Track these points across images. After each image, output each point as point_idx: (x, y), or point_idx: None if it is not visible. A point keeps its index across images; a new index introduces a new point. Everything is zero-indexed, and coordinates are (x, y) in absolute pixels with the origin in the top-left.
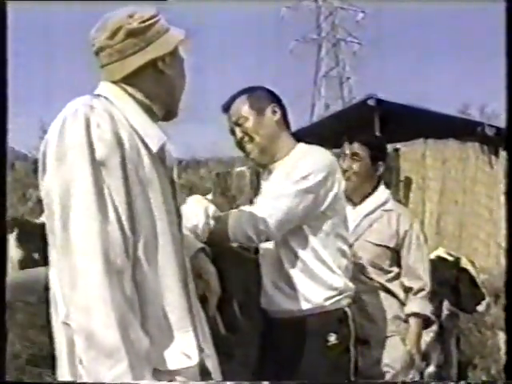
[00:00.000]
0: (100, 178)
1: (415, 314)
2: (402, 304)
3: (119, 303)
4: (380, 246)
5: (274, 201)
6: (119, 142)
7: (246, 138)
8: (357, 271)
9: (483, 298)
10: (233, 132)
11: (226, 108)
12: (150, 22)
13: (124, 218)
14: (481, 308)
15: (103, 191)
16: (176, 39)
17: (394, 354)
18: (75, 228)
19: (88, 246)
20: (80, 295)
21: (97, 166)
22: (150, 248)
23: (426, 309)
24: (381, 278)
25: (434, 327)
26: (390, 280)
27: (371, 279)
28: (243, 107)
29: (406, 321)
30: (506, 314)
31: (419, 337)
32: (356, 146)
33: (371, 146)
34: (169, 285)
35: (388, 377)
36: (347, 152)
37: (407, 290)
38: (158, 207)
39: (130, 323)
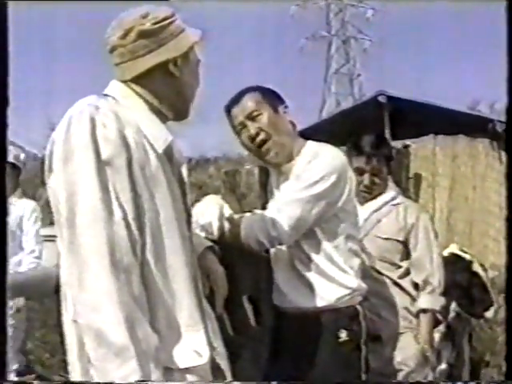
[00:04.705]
0: (105, 177)
1: (424, 310)
2: (414, 300)
3: (127, 301)
4: (389, 239)
5: (286, 206)
6: (125, 142)
7: (262, 135)
8: (367, 266)
9: (492, 304)
10: (239, 130)
11: (231, 106)
12: (163, 23)
13: (130, 217)
14: (489, 314)
15: (109, 190)
16: (189, 42)
17: (406, 352)
18: (81, 227)
19: (94, 244)
20: (87, 294)
21: (102, 165)
22: (158, 247)
23: (436, 303)
24: (392, 274)
25: (441, 327)
26: (401, 276)
27: (382, 274)
28: (256, 102)
29: (417, 317)
30: (507, 316)
31: (431, 333)
32: (376, 162)
33: (387, 154)
34: (178, 283)
35: (402, 375)
36: (366, 168)
37: (416, 285)
38: (166, 206)
39: (137, 321)
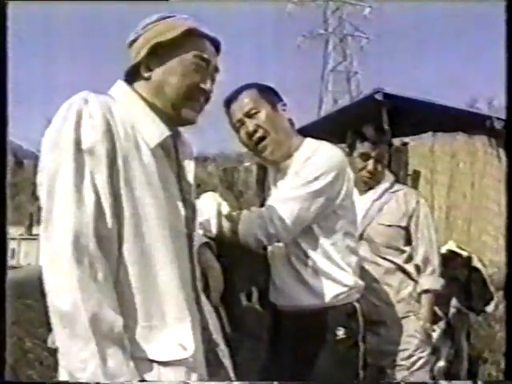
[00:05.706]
0: (83, 164)
1: (425, 291)
2: (417, 284)
3: (87, 284)
4: (392, 226)
5: (284, 204)
6: (110, 133)
7: (260, 132)
8: (373, 254)
9: (492, 299)
10: (238, 127)
11: (229, 103)
12: (140, 32)
13: (105, 205)
14: (489, 309)
15: (84, 178)
16: (145, 48)
17: (410, 332)
18: (55, 213)
19: (62, 229)
20: (52, 277)
21: (82, 153)
22: (140, 238)
23: (437, 284)
24: (397, 259)
25: (442, 324)
26: (406, 261)
27: (388, 260)
28: (254, 99)
29: (418, 300)
30: (507, 314)
31: (431, 312)
32: (381, 148)
33: (389, 141)
34: (164, 277)
35: (406, 354)
36: (371, 153)
37: (418, 268)
38: (156, 201)
39: (98, 303)
